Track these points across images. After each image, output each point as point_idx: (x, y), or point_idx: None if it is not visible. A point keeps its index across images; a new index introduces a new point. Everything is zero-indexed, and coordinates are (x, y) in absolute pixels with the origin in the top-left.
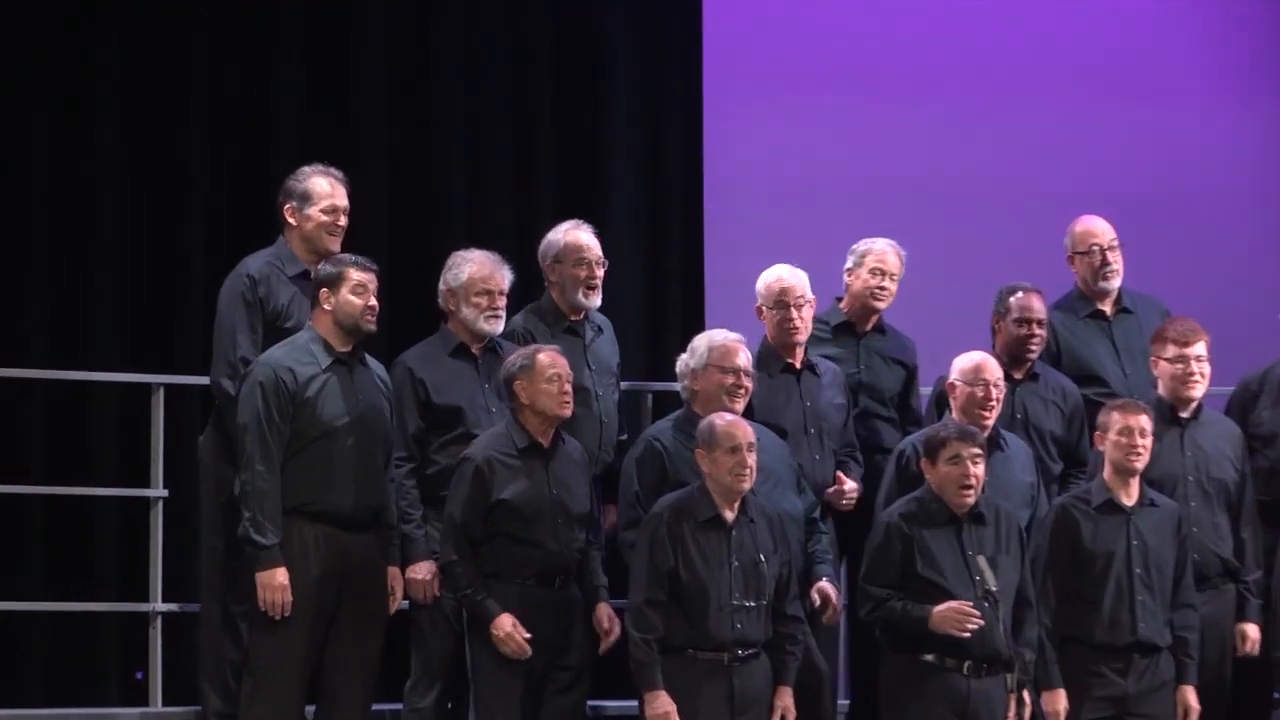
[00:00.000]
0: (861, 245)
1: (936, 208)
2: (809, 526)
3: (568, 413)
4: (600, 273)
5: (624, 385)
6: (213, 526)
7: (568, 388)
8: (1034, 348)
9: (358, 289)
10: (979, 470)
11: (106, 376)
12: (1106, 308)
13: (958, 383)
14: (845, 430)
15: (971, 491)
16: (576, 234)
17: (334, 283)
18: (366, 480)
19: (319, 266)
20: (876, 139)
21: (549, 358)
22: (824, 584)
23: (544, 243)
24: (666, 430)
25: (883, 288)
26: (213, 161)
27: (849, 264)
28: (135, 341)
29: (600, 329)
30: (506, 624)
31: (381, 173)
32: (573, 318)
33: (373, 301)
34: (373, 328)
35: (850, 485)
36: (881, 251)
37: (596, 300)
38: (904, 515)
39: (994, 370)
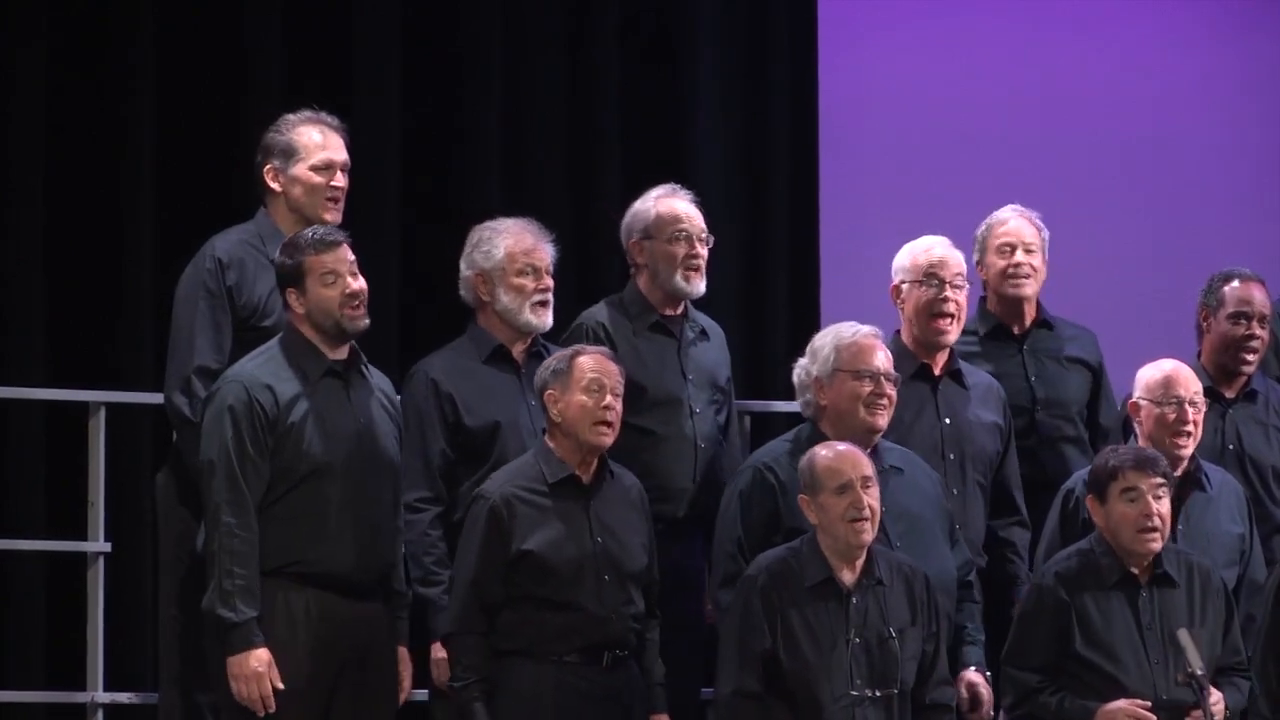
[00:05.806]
0: (983, 224)
1: (1130, 172)
2: (960, 591)
3: (607, 440)
4: (704, 251)
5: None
6: (173, 591)
7: (611, 402)
8: (1252, 354)
9: (326, 278)
10: (1164, 508)
11: (30, 393)
12: None
13: (1142, 401)
14: (1002, 462)
15: (1155, 536)
16: (672, 202)
17: (296, 279)
18: (371, 531)
19: (275, 259)
20: (1051, 75)
21: (593, 361)
22: (972, 673)
23: (629, 215)
24: (782, 456)
25: (1018, 265)
26: (162, 115)
27: (975, 253)
28: (67, 349)
29: (706, 333)
30: None
31: (391, 129)
32: (666, 312)
33: (352, 286)
34: (363, 321)
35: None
36: (1004, 221)
37: (700, 285)
38: (1061, 574)
39: (1190, 383)
